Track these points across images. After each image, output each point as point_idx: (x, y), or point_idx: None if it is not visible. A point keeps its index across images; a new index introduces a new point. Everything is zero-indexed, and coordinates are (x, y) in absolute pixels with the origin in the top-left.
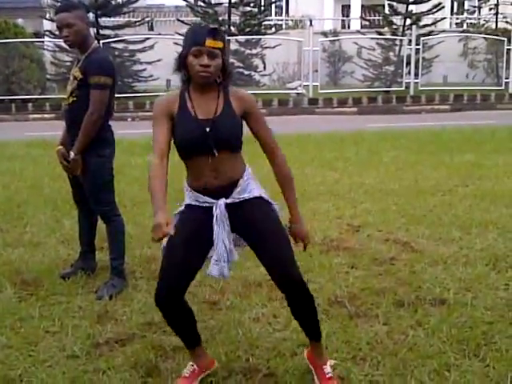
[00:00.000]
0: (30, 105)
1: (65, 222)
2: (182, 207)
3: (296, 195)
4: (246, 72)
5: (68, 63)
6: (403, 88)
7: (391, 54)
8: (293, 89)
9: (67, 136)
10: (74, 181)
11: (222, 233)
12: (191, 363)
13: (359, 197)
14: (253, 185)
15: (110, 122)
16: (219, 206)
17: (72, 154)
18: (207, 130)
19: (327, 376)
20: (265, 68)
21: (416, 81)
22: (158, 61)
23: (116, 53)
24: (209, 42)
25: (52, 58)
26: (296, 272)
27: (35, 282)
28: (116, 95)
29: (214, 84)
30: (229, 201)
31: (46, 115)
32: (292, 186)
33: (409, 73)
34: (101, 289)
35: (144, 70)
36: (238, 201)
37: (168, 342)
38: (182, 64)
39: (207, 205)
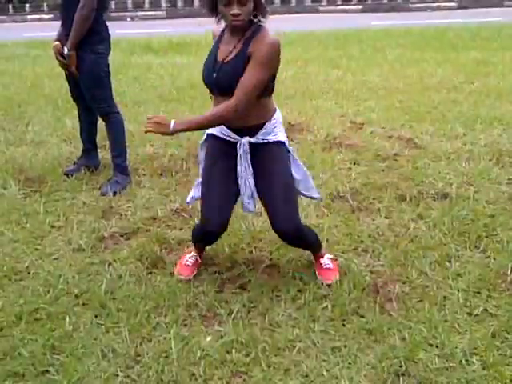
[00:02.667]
0: (27, 5)
1: (66, 121)
2: (205, 136)
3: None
4: None
5: None
6: None
7: None
8: None
9: (62, 31)
10: (70, 78)
11: (245, 171)
12: (194, 254)
13: (363, 94)
14: (278, 128)
15: (107, 21)
16: (243, 145)
17: (66, 50)
18: (215, 74)
19: (324, 267)
20: None
21: None
22: None
23: None
24: None
25: None
26: (292, 226)
27: (39, 179)
28: None
29: (247, 25)
30: (253, 140)
31: (43, 16)
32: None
33: None
34: (105, 185)
35: None
36: (261, 141)
37: (172, 235)
38: (213, 8)
39: (231, 139)
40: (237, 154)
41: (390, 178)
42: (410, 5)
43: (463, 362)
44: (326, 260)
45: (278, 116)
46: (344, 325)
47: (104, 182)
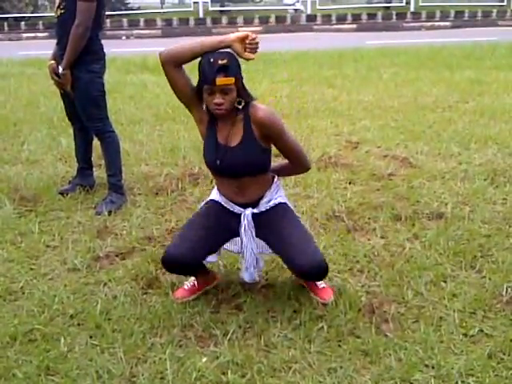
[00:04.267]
0: (22, 23)
1: (61, 140)
2: (209, 199)
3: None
4: None
5: None
6: (403, 4)
7: None
8: (290, 5)
9: (57, 50)
10: (65, 97)
11: (249, 242)
12: (192, 278)
13: (358, 114)
14: (279, 193)
15: (102, 40)
16: (247, 217)
17: (61, 69)
18: (219, 159)
19: (320, 287)
20: None
21: None
22: None
23: None
24: (219, 81)
25: None
26: (322, 261)
27: (34, 198)
28: (109, 13)
29: (234, 112)
30: (255, 211)
31: (39, 34)
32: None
33: None
34: (100, 205)
35: None
36: (264, 209)
37: None
38: (200, 97)
39: (234, 211)
40: (232, 227)
41: (385, 197)
42: (405, 24)
43: (459, 383)
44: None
45: (276, 184)
46: (340, 346)
47: (99, 201)
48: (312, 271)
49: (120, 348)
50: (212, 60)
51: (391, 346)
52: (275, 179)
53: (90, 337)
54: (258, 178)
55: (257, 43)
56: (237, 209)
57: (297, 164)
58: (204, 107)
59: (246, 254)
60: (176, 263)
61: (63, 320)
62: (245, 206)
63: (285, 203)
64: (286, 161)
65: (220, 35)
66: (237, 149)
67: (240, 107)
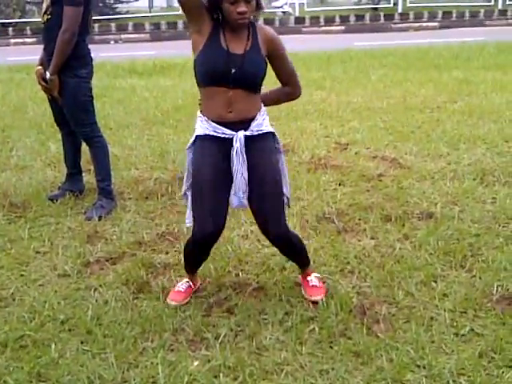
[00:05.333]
0: (10, 29)
1: (50, 145)
2: (193, 139)
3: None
4: None
5: None
6: (391, 5)
7: None
8: (278, 7)
9: (44, 55)
10: (53, 102)
11: (240, 166)
12: (186, 280)
13: (347, 115)
14: (266, 120)
15: (91, 45)
16: (239, 139)
17: (48, 74)
18: (234, 67)
19: (311, 284)
20: None
21: None
22: None
23: None
24: None
25: None
26: (280, 230)
27: (23, 204)
28: (97, 17)
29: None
30: (248, 133)
31: (27, 39)
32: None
33: None
34: (90, 210)
35: None
36: (255, 133)
37: (158, 259)
38: (215, 7)
39: (225, 136)
40: (228, 153)
41: (375, 198)
42: (393, 25)
43: (451, 382)
44: (313, 278)
45: (263, 108)
46: (331, 347)
47: (89, 206)
48: (274, 240)
49: (111, 353)
50: None
51: (382, 346)
52: (262, 104)
53: (81, 342)
54: (250, 95)
55: None
56: (228, 133)
57: (292, 86)
58: (210, 19)
59: (236, 178)
60: (214, 238)
61: (54, 326)
62: (236, 129)
63: (274, 134)
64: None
65: None
66: (247, 55)
67: (253, 19)
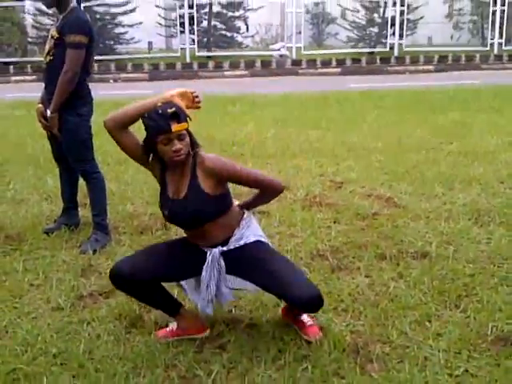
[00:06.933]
0: (11, 67)
1: (47, 180)
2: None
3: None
4: (229, 34)
5: (49, 26)
6: (387, 49)
7: (375, 15)
8: (276, 50)
9: (45, 94)
10: (52, 139)
11: (209, 278)
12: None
13: (342, 154)
14: (249, 231)
15: (90, 83)
16: (213, 254)
17: (49, 112)
18: (166, 211)
19: (308, 324)
20: (247, 30)
21: (400, 42)
22: (140, 23)
23: (97, 16)
24: (176, 127)
25: (33, 22)
26: (319, 291)
27: (19, 237)
28: (98, 57)
29: (187, 158)
30: (225, 248)
31: (27, 77)
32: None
33: (393, 34)
34: (84, 243)
35: (125, 32)
36: (233, 247)
37: None
38: (150, 150)
39: (202, 248)
40: (198, 263)
41: (369, 236)
42: (389, 68)
43: None
44: (306, 317)
45: (245, 220)
46: None
47: (84, 240)
48: (312, 302)
49: None
50: (161, 111)
51: None
52: (245, 215)
53: (73, 376)
54: (218, 222)
55: (198, 97)
56: (204, 248)
57: (266, 190)
58: (147, 160)
59: (202, 289)
60: (121, 279)
61: (46, 359)
62: (213, 246)
63: (259, 241)
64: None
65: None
66: (183, 200)
67: (192, 153)
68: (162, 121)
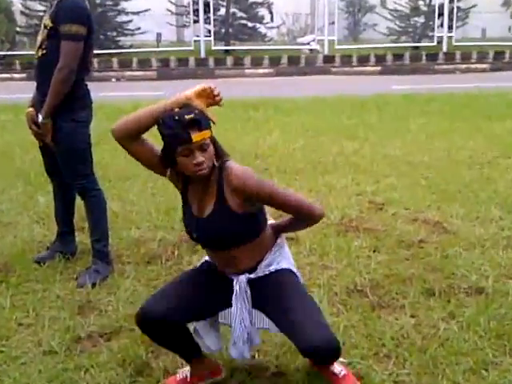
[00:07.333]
0: None
1: (39, 198)
2: (204, 260)
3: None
4: (250, 24)
5: (41, 13)
6: (435, 43)
7: (421, 2)
8: (305, 44)
9: (37, 96)
10: (45, 149)
11: (241, 312)
12: (188, 368)
13: (383, 170)
14: (282, 256)
15: (89, 82)
16: (240, 282)
17: (40, 117)
18: (194, 234)
19: (340, 376)
20: (272, 19)
21: (450, 35)
22: (146, 11)
23: (97, 1)
24: (196, 137)
25: (22, 8)
26: (333, 338)
27: (5, 267)
28: (98, 51)
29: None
30: (252, 276)
31: (15, 75)
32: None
33: (441, 25)
34: (82, 275)
35: (130, 21)
36: (262, 274)
37: None
38: (170, 162)
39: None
40: (225, 292)
41: (415, 268)
42: (436, 66)
43: None
44: (337, 366)
45: (278, 244)
46: None
47: (82, 271)
48: (324, 348)
49: None
50: (177, 117)
51: None
52: (278, 240)
53: None
54: (248, 246)
55: (219, 94)
56: (230, 275)
57: (301, 217)
58: (168, 174)
59: (235, 326)
60: (152, 321)
61: None
62: (241, 273)
63: (289, 269)
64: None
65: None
66: (209, 220)
67: (217, 164)
68: (179, 129)
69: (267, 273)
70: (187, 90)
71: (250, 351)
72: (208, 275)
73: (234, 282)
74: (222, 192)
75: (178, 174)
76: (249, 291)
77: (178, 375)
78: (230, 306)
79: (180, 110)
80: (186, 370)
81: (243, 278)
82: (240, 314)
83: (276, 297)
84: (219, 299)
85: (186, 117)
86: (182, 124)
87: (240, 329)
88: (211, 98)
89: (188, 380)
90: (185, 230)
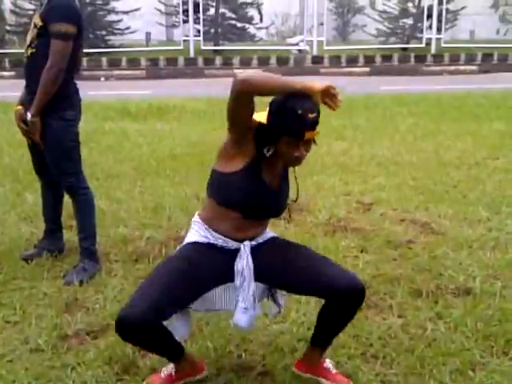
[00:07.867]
0: None
1: (27, 196)
2: (186, 243)
3: None
4: (239, 24)
5: (31, 12)
6: (423, 45)
7: (410, 4)
8: (294, 45)
9: (25, 94)
10: (34, 147)
11: (251, 280)
12: (172, 366)
13: (371, 170)
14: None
15: (78, 81)
16: (246, 249)
17: (29, 116)
18: (270, 201)
19: (334, 372)
20: (261, 20)
21: (438, 36)
22: (136, 10)
23: (87, 0)
24: (308, 135)
25: (12, 6)
26: (358, 281)
27: None
28: (88, 50)
29: None
30: (253, 242)
31: (5, 73)
32: None
33: (430, 27)
34: (70, 273)
35: (120, 21)
36: (262, 241)
37: None
38: (264, 139)
39: (227, 246)
40: (221, 269)
41: (403, 269)
42: (425, 68)
43: None
44: (329, 365)
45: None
46: None
47: (69, 268)
48: (355, 289)
49: None
50: (301, 113)
51: None
52: None
53: None
54: (263, 222)
55: (339, 100)
56: (231, 243)
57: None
58: (250, 148)
59: (248, 293)
60: (132, 326)
61: None
62: (241, 241)
63: (278, 237)
64: None
65: (303, 81)
66: (281, 194)
67: None
68: (297, 125)
69: (265, 240)
70: (318, 82)
71: (252, 320)
72: (199, 256)
73: (242, 249)
74: (286, 170)
75: (259, 147)
76: (251, 260)
77: (162, 373)
78: (223, 282)
79: (304, 100)
80: (170, 368)
81: (247, 244)
82: (251, 281)
83: (288, 255)
84: (213, 279)
85: (310, 116)
86: (302, 121)
87: (251, 296)
88: (330, 98)
89: (173, 377)
90: (246, 201)
